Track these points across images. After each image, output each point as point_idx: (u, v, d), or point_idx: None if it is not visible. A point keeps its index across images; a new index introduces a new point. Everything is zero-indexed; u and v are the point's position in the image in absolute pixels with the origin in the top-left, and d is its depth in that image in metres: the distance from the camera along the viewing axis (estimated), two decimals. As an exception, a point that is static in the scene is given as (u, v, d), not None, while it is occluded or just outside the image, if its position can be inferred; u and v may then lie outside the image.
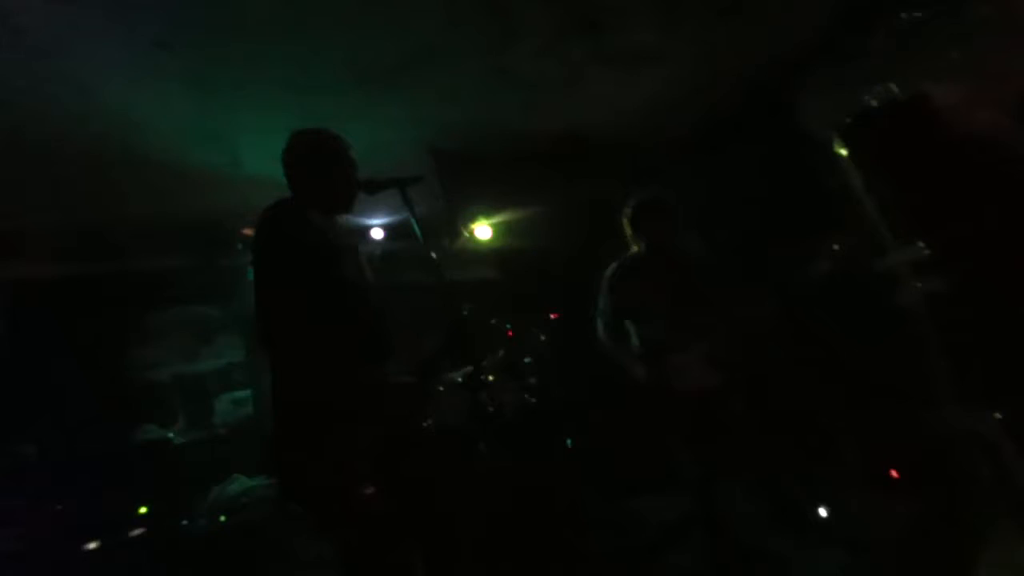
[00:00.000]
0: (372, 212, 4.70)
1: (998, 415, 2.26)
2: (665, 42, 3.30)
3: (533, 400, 3.75)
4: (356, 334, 1.60)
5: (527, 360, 3.94)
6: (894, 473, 2.70)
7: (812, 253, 2.40)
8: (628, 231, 2.73)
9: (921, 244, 2.39)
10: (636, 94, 3.80)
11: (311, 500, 1.53)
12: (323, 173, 1.75)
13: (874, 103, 2.99)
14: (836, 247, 2.37)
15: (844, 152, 2.77)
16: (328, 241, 1.63)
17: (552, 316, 4.23)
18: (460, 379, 2.69)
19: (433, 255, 1.95)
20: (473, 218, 4.52)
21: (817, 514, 2.61)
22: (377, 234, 4.87)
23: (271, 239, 1.55)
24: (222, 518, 3.39)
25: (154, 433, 4.00)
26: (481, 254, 5.06)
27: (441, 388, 3.16)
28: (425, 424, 1.87)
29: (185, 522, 3.46)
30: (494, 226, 4.58)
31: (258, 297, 1.55)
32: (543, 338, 3.97)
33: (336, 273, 1.60)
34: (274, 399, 1.57)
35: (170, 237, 4.39)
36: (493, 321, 4.04)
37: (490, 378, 3.66)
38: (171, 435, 4.05)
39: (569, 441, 3.75)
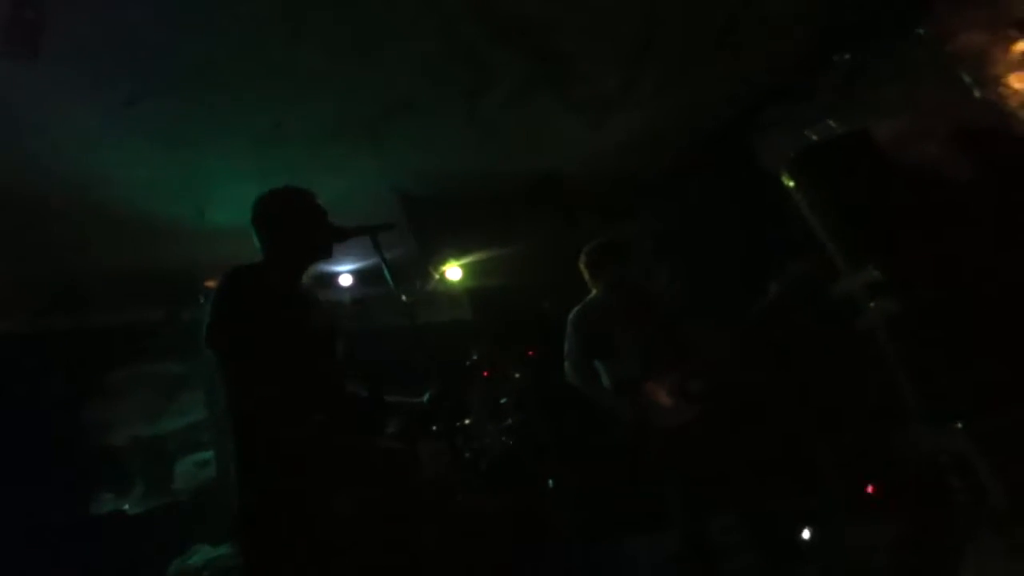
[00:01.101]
0: (341, 259, 4.66)
1: (960, 427, 2.32)
2: (631, 90, 3.48)
3: (511, 443, 3.69)
4: (306, 392, 1.57)
5: (503, 401, 3.89)
6: (871, 490, 2.73)
7: (769, 278, 2.48)
8: (586, 275, 2.83)
9: (872, 267, 2.51)
10: (604, 137, 3.96)
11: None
12: (290, 231, 1.75)
13: (815, 138, 3.20)
14: (787, 271, 2.45)
15: (791, 184, 2.93)
16: (279, 302, 1.61)
17: (529, 353, 4.21)
18: (434, 427, 2.63)
19: (404, 298, 1.94)
20: (444, 260, 4.53)
21: (804, 542, 2.60)
22: (346, 280, 4.83)
23: (214, 305, 1.57)
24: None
25: (109, 504, 3.74)
26: (454, 295, 5.05)
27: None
28: (412, 485, 1.81)
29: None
30: (464, 267, 4.61)
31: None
32: (517, 375, 3.94)
33: (286, 333, 1.57)
34: (235, 465, 1.53)
35: (133, 291, 4.25)
36: (467, 363, 4.00)
37: (466, 422, 3.59)
38: (126, 506, 3.80)
39: (551, 482, 3.67)
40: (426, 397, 1.85)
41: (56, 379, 3.86)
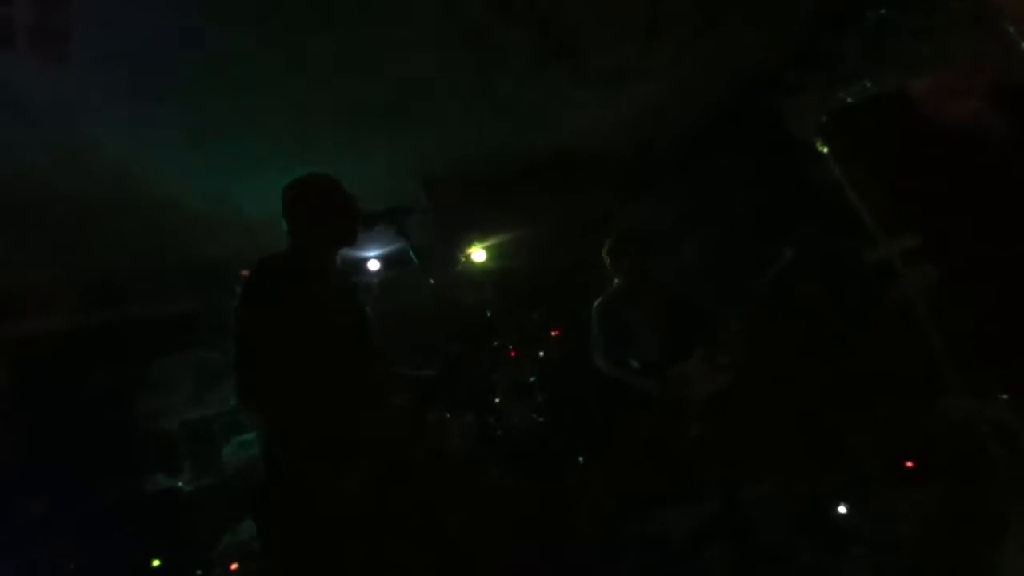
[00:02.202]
0: (368, 244, 4.74)
1: (1005, 398, 2.26)
2: (644, 60, 3.40)
3: (541, 419, 3.73)
4: (333, 376, 1.62)
5: (532, 379, 3.93)
6: (909, 464, 2.68)
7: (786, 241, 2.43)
8: (609, 265, 2.90)
9: (909, 234, 2.42)
10: (619, 110, 3.89)
11: (294, 552, 1.49)
12: (317, 219, 1.78)
13: (850, 100, 3.07)
14: (798, 234, 2.39)
15: (825, 150, 2.84)
16: (306, 290, 1.65)
17: (554, 333, 4.23)
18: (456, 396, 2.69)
19: (431, 281, 1.97)
20: (468, 242, 4.56)
21: (840, 515, 2.58)
22: (374, 265, 4.91)
23: (243, 295, 1.63)
24: (233, 565, 3.33)
25: (163, 482, 3.96)
26: (478, 277, 5.08)
27: (448, 414, 3.15)
28: (425, 450, 1.85)
29: (199, 572, 3.40)
30: (489, 249, 4.62)
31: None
32: (541, 354, 3.97)
33: (312, 320, 1.62)
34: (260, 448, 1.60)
35: (171, 284, 4.42)
36: (495, 343, 4.04)
37: (496, 400, 3.65)
38: (180, 483, 4.01)
39: (581, 458, 3.72)
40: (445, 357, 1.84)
41: (102, 371, 4.06)
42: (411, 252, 1.88)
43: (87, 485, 3.64)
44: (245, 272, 1.69)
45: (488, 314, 1.86)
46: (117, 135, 2.86)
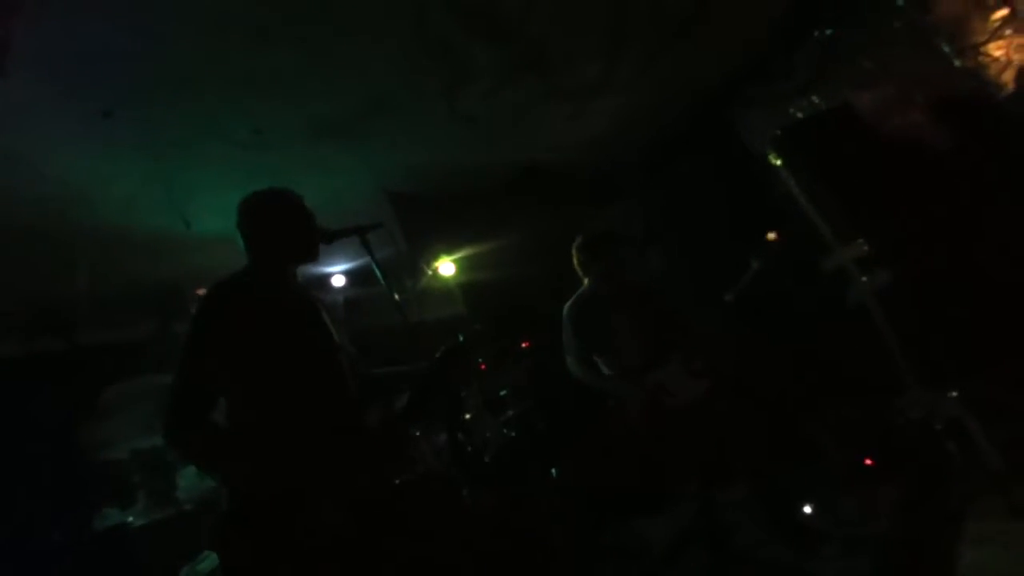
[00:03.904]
0: (332, 260, 4.64)
1: (955, 395, 2.36)
2: (610, 74, 3.47)
3: (512, 434, 3.70)
4: (297, 398, 1.55)
5: (503, 392, 3.90)
6: (869, 462, 2.77)
7: (753, 253, 2.50)
8: (579, 267, 2.82)
9: (861, 241, 2.53)
10: (587, 123, 3.96)
11: None
12: (275, 234, 1.72)
13: (799, 115, 3.21)
14: (764, 246, 2.47)
15: (778, 161, 2.94)
16: (262, 308, 1.59)
17: (524, 345, 4.22)
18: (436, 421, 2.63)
19: (397, 297, 1.93)
20: (435, 256, 4.52)
21: (808, 516, 2.63)
22: (339, 281, 4.81)
23: (195, 318, 1.55)
24: (194, 601, 3.14)
25: (114, 517, 3.72)
26: (446, 291, 5.04)
27: (417, 432, 3.08)
28: (404, 476, 1.79)
29: (155, 611, 3.20)
30: (457, 262, 4.60)
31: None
32: (515, 367, 3.95)
33: (270, 338, 1.55)
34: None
35: (122, 306, 4.22)
36: (468, 366, 3.99)
37: (466, 416, 3.59)
38: (130, 518, 3.78)
39: (554, 471, 3.69)
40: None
41: (50, 400, 3.83)
42: (375, 267, 1.84)
43: (31, 522, 3.40)
44: (200, 291, 1.61)
45: (460, 339, 1.82)
46: (62, 152, 2.72)
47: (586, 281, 2.81)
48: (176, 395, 1.47)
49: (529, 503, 3.37)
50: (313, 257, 1.78)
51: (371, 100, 3.06)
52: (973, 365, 2.34)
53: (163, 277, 4.07)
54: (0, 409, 3.65)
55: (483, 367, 3.99)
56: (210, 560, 3.38)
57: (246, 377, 1.51)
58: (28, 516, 3.41)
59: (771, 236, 2.43)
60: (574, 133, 4.03)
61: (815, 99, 3.54)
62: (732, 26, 3.40)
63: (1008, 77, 2.81)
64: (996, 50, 2.82)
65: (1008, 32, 2.77)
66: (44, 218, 3.09)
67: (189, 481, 4.06)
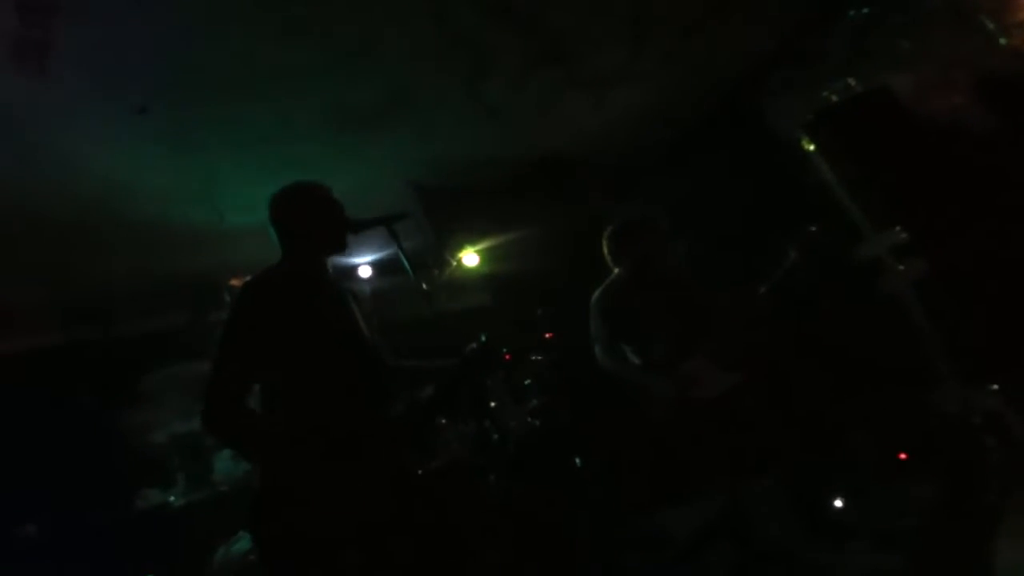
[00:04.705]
0: (359, 251, 4.71)
1: (996, 388, 2.28)
2: (633, 63, 3.42)
3: (537, 423, 3.72)
4: (334, 385, 1.60)
5: (527, 383, 3.91)
6: (903, 456, 2.70)
7: (787, 243, 2.43)
8: (608, 255, 2.78)
9: (898, 228, 2.45)
10: (609, 113, 3.91)
11: (293, 562, 1.45)
12: (307, 227, 1.76)
13: (834, 98, 3.10)
14: (804, 236, 2.39)
15: (811, 147, 2.86)
16: (301, 299, 1.64)
17: (547, 336, 4.22)
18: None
19: (424, 287, 1.96)
20: (460, 247, 4.55)
21: (838, 510, 2.58)
22: (365, 272, 4.88)
23: (236, 306, 1.60)
24: (229, 580, 3.27)
25: (155, 498, 3.89)
26: (471, 281, 5.08)
27: (443, 421, 3.13)
28: (429, 464, 1.82)
29: (193, 588, 3.34)
30: (481, 253, 4.62)
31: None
32: (539, 357, 3.95)
33: (310, 329, 1.60)
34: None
35: (158, 297, 4.36)
36: (492, 346, 4.01)
37: (492, 404, 3.63)
38: (171, 498, 3.95)
39: (579, 460, 3.71)
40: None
41: (89, 387, 4.00)
42: (403, 257, 1.87)
43: (77, 504, 3.58)
44: (235, 281, 1.66)
45: (483, 339, 1.85)
46: (100, 148, 2.81)
47: (616, 270, 2.77)
48: (215, 379, 1.53)
49: (553, 492, 3.40)
50: (343, 248, 1.82)
51: (396, 92, 3.08)
52: (1013, 358, 2.25)
53: (198, 268, 4.19)
54: (43, 396, 3.82)
55: (508, 357, 4.01)
56: (244, 541, 3.51)
57: (280, 366, 1.56)
58: (76, 497, 3.58)
59: (812, 229, 2.35)
60: (597, 124, 3.98)
61: (851, 81, 3.41)
62: (760, 8, 3.30)
63: (1059, 55, 2.67)
64: (1046, 27, 2.68)
65: (1060, 7, 2.63)
66: (83, 212, 3.20)
67: (225, 464, 4.21)
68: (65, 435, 3.78)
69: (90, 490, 3.66)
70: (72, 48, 2.21)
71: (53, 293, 3.94)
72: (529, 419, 3.73)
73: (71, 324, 4.17)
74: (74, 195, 3.06)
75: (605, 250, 2.79)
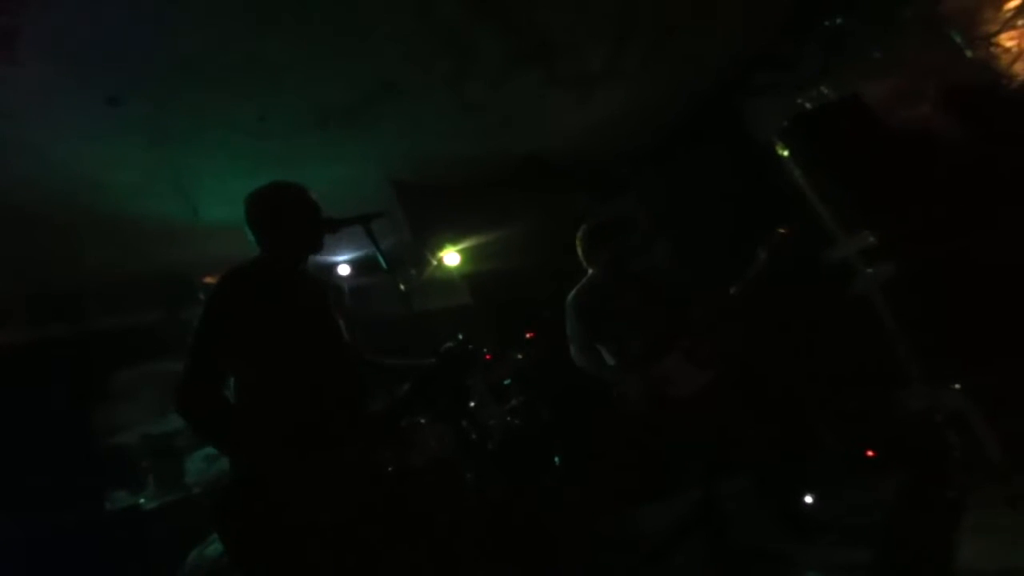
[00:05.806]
0: (337, 249, 4.66)
1: (959, 387, 2.36)
2: (615, 63, 3.45)
3: (517, 422, 3.73)
4: (307, 381, 1.59)
5: (507, 382, 3.92)
6: (871, 453, 2.78)
7: (759, 245, 2.48)
8: (582, 255, 2.79)
9: (867, 232, 2.52)
10: (591, 113, 3.93)
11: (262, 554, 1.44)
12: (281, 228, 1.75)
13: (808, 106, 3.18)
14: (773, 237, 2.43)
15: (785, 153, 2.93)
16: (275, 297, 1.62)
17: (528, 335, 4.23)
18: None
19: (401, 287, 1.95)
20: (440, 246, 4.53)
21: (810, 505, 2.64)
22: (344, 270, 4.83)
23: (210, 298, 1.59)
24: (202, 583, 3.21)
25: (124, 500, 3.79)
26: (451, 281, 5.06)
27: (422, 420, 3.11)
28: (405, 461, 1.82)
29: (164, 591, 3.26)
30: (462, 252, 4.60)
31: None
32: (519, 356, 3.96)
33: (284, 324, 1.59)
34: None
35: (130, 293, 4.26)
36: (470, 346, 4.01)
37: (471, 404, 3.62)
38: (142, 500, 3.85)
39: (557, 459, 3.72)
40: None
41: (59, 384, 3.89)
42: (379, 256, 1.86)
43: (44, 505, 3.47)
44: (209, 279, 1.64)
45: (460, 337, 1.86)
46: (70, 140, 2.74)
47: (590, 270, 2.80)
48: (189, 368, 1.53)
49: (532, 491, 3.41)
50: (318, 249, 1.81)
51: (376, 88, 3.05)
52: (976, 358, 2.34)
53: (171, 264, 4.11)
54: (11, 394, 3.71)
55: (488, 356, 4.01)
56: (217, 544, 3.44)
57: (254, 359, 1.56)
58: (41, 498, 3.47)
59: (782, 230, 2.39)
60: (579, 123, 4.01)
61: (824, 89, 3.51)
62: (739, 13, 3.36)
63: (1020, 68, 2.78)
64: (1008, 40, 2.79)
65: (1021, 22, 2.73)
66: (52, 205, 3.11)
67: (197, 466, 4.12)
68: (32, 434, 3.66)
69: (57, 491, 3.55)
70: (41, 36, 2.15)
71: (22, 287, 3.81)
72: (509, 418, 3.74)
73: (40, 319, 4.04)
74: (44, 188, 2.97)
75: (579, 250, 2.80)
